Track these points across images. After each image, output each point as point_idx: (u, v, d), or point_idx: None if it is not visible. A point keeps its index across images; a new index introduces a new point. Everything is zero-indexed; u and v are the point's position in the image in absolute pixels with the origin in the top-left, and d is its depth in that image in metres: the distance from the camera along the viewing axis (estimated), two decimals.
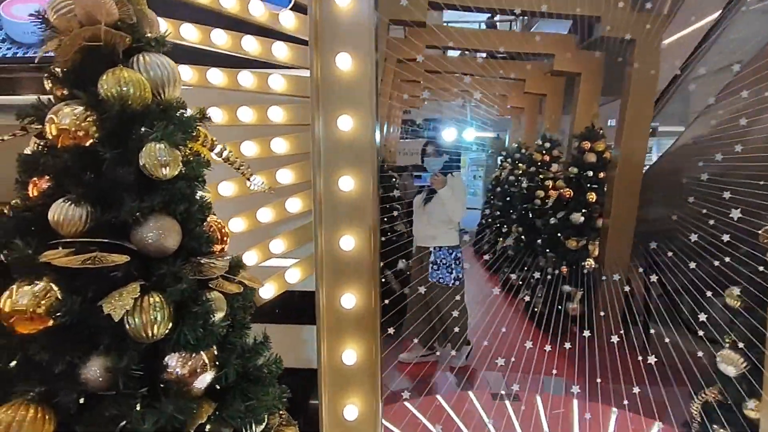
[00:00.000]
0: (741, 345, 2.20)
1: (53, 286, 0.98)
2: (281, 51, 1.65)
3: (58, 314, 0.97)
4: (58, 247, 1.03)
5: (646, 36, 3.81)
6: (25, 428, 0.92)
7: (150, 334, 1.04)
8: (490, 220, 7.26)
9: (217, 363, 1.16)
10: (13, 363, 0.98)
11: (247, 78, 1.68)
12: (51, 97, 1.18)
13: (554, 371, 2.35)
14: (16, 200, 1.18)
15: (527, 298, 4.06)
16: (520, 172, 6.17)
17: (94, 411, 0.98)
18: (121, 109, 1.07)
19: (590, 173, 4.37)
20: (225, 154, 1.31)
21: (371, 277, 1.70)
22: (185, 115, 1.22)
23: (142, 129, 1.09)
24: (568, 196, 4.45)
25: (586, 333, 2.25)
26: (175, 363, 1.11)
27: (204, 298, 1.12)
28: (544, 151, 5.50)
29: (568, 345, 2.26)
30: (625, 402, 2.38)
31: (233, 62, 1.74)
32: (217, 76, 1.69)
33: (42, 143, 1.13)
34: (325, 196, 1.69)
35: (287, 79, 1.68)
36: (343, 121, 1.63)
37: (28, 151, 1.17)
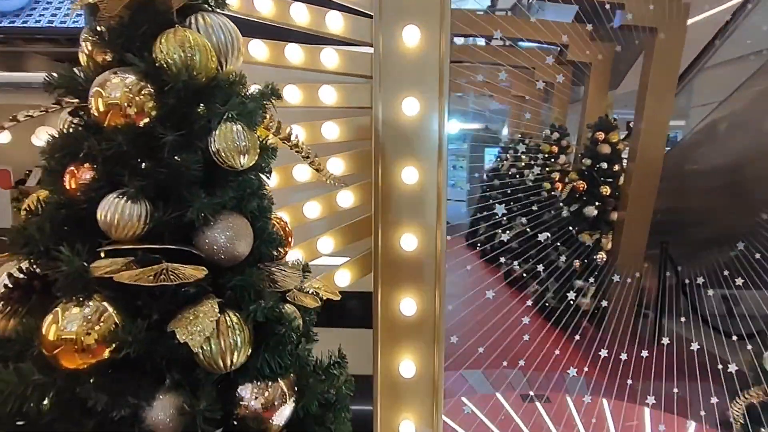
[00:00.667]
0: None
1: (108, 306, 0.76)
2: (336, 22, 1.43)
3: (118, 344, 0.75)
4: (104, 255, 0.81)
5: (670, 25, 3.71)
6: None
7: (228, 363, 0.83)
8: (486, 212, 7.14)
9: (296, 390, 0.96)
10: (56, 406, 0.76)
11: (295, 52, 1.45)
12: (83, 65, 0.95)
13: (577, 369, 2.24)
14: (45, 193, 0.95)
15: (535, 293, 3.96)
16: (523, 164, 6.05)
17: None
18: (188, 79, 0.84)
19: (604, 165, 4.27)
20: (294, 140, 1.09)
21: (435, 280, 1.52)
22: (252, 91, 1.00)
23: (212, 106, 0.87)
24: (581, 188, 4.35)
25: (666, 341, 2.13)
26: (250, 395, 0.90)
27: (286, 315, 0.92)
28: (551, 142, 5.38)
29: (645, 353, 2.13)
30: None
31: (277, 34, 1.50)
32: (259, 48, 1.45)
33: (79, 122, 0.89)
34: (384, 190, 1.49)
35: (341, 54, 1.46)
36: (408, 104, 1.43)
37: (51, 132, 0.93)
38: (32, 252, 0.78)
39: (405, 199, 1.49)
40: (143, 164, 0.82)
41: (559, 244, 4.62)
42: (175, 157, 0.83)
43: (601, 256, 4.35)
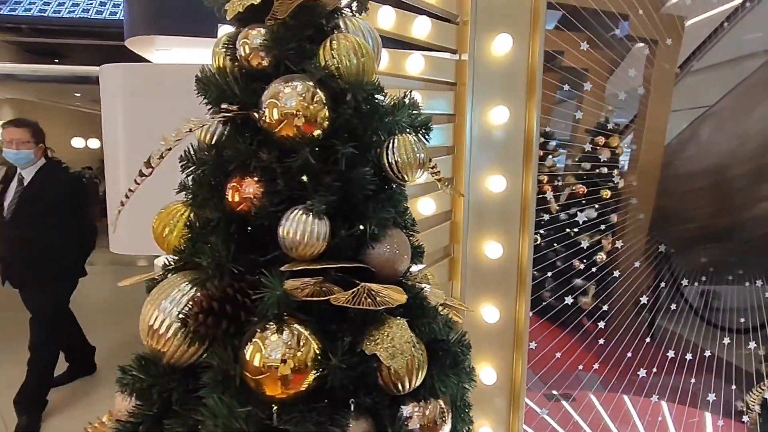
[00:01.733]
0: None
1: (303, 330, 0.71)
2: (423, 27, 1.40)
3: (323, 370, 0.70)
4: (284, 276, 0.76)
5: (666, 36, 3.88)
6: None
7: (412, 384, 0.80)
8: None
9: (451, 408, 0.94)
10: None
11: (382, 57, 1.41)
12: (219, 69, 0.89)
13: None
14: (180, 207, 0.88)
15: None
16: None
17: None
18: (363, 86, 0.80)
19: (605, 170, 4.42)
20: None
21: (520, 289, 1.52)
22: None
23: (384, 115, 0.83)
24: (582, 192, 4.49)
25: (726, 340, 2.21)
26: (412, 415, 0.87)
27: (455, 331, 0.89)
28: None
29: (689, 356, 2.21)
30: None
31: None
32: None
33: (234, 132, 0.83)
34: (472, 197, 1.47)
35: (428, 61, 1.44)
36: (498, 112, 1.42)
37: (182, 143, 0.86)
38: (218, 274, 0.72)
39: (490, 207, 1.48)
40: (325, 178, 0.77)
41: (555, 245, 4.76)
42: (355, 169, 0.79)
43: (601, 257, 4.52)
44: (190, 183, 0.86)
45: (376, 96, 0.85)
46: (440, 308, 0.96)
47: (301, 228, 0.74)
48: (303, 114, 0.77)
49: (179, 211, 0.90)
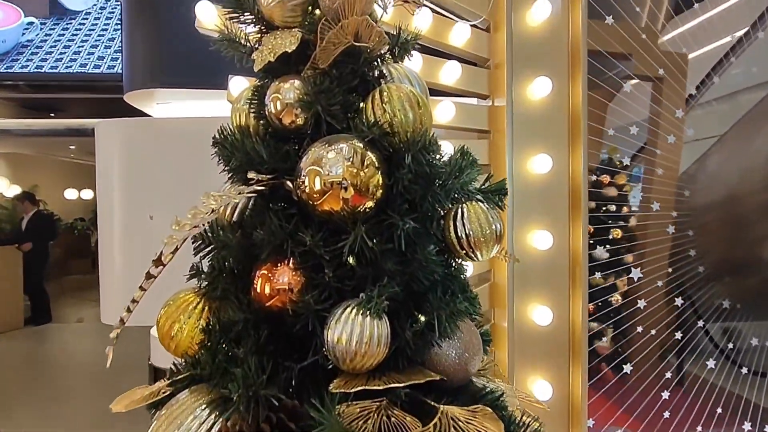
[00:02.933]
0: None
1: None
2: (454, 72, 1.29)
3: None
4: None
5: (671, 74, 3.88)
6: None
7: None
8: None
9: None
10: None
11: None
12: (243, 128, 0.74)
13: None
14: (190, 297, 0.71)
15: None
16: None
17: None
18: (427, 146, 0.65)
19: (613, 207, 4.31)
20: None
21: (574, 359, 1.32)
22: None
23: (447, 181, 0.67)
24: (589, 232, 4.35)
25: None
26: None
27: None
28: None
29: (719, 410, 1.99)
30: None
31: None
32: None
33: (264, 205, 0.67)
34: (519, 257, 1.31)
35: (459, 108, 1.32)
36: (540, 161, 1.29)
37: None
38: (251, 404, 0.53)
39: (537, 265, 1.31)
40: (386, 263, 0.60)
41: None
42: (413, 250, 0.62)
43: (617, 299, 4.33)
44: (206, 269, 0.69)
45: (434, 155, 0.70)
46: (520, 415, 0.77)
47: (358, 331, 0.56)
48: (352, 183, 0.62)
49: (191, 303, 0.71)
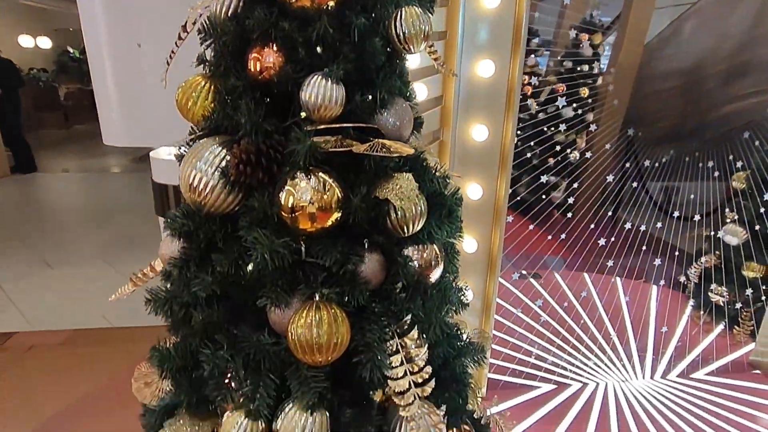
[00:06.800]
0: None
1: (327, 178, 0.86)
2: None
3: (345, 210, 0.86)
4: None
5: None
6: (324, 329, 0.86)
7: (412, 228, 0.97)
8: None
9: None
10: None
11: None
12: None
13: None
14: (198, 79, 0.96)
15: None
16: None
17: (376, 306, 0.94)
18: None
19: (586, 67, 4.46)
20: None
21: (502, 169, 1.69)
22: None
23: None
24: (561, 90, 4.55)
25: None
26: (413, 256, 1.06)
27: (448, 190, 1.05)
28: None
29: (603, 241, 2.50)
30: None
31: None
32: None
33: (250, 4, 0.89)
34: (462, 83, 1.57)
35: None
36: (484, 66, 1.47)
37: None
38: (253, 132, 0.83)
39: (480, 92, 1.59)
40: (342, 48, 0.85)
41: (532, 143, 4.94)
42: (364, 41, 0.87)
43: (575, 156, 4.74)
44: (211, 55, 0.93)
45: None
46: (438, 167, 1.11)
47: (321, 92, 0.84)
48: None
49: (200, 83, 0.98)
